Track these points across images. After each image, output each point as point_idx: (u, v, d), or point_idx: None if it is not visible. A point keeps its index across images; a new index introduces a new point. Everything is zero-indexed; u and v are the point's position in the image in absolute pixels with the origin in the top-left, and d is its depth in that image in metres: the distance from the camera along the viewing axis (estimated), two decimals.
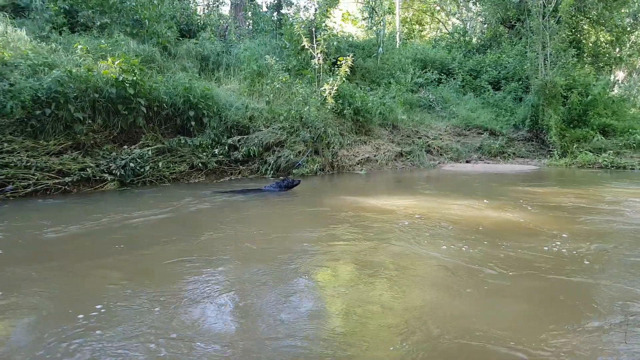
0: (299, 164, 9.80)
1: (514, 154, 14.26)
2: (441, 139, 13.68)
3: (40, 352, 2.16)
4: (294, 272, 3.30)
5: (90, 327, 2.40)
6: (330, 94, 10.79)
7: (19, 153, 7.04)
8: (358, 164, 10.87)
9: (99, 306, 2.63)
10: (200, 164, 8.84)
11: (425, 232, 4.47)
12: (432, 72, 17.49)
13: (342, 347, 2.21)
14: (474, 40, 22.76)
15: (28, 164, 7.00)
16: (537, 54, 15.27)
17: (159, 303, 2.71)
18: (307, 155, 10.04)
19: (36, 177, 6.98)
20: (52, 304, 2.74)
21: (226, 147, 9.31)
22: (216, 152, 9.15)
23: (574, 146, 13.63)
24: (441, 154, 13.11)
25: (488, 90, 17.37)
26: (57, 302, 2.77)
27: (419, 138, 13.17)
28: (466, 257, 3.60)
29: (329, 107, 10.82)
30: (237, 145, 9.45)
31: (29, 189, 6.88)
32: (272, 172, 9.49)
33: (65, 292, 2.97)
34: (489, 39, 22.00)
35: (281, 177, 8.28)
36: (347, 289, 2.97)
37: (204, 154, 8.98)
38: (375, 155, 11.41)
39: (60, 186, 7.18)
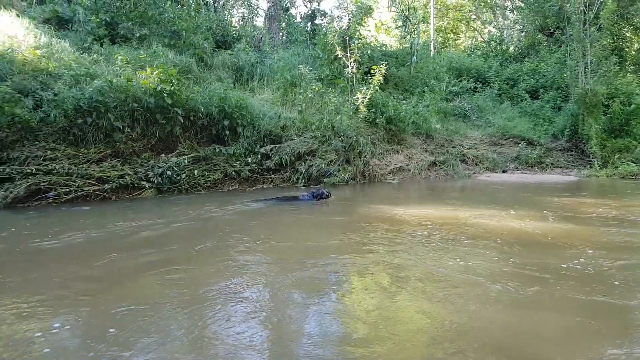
0: (330, 173, 9.77)
1: (552, 164, 13.78)
2: (476, 148, 13.37)
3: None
4: (317, 280, 3.26)
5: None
6: (362, 102, 10.74)
7: (61, 160, 7.31)
8: (390, 173, 10.74)
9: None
10: (233, 173, 8.94)
11: (447, 244, 4.33)
12: (468, 81, 17.19)
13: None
14: (511, 48, 22.28)
15: (69, 171, 7.26)
16: (577, 62, 14.77)
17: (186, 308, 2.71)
18: (339, 164, 10.00)
19: (77, 184, 7.23)
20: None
21: (259, 156, 9.38)
22: (249, 161, 9.23)
23: (616, 156, 13.06)
24: (476, 164, 12.80)
25: (525, 99, 16.93)
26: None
27: (453, 147, 12.91)
28: (483, 270, 3.46)
29: (361, 116, 10.77)
30: (270, 154, 9.51)
31: (70, 195, 7.13)
32: (303, 181, 9.50)
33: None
34: (526, 47, 21.49)
35: (314, 188, 8.32)
36: (374, 300, 2.90)
37: (238, 162, 9.07)
38: (407, 165, 11.25)
39: (99, 193, 7.40)
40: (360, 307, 2.84)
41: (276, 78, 12.16)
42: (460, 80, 17.18)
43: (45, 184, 6.99)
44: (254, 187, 9.09)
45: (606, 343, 2.35)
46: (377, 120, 11.16)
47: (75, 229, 5.15)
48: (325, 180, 9.62)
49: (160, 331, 2.46)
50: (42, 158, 7.12)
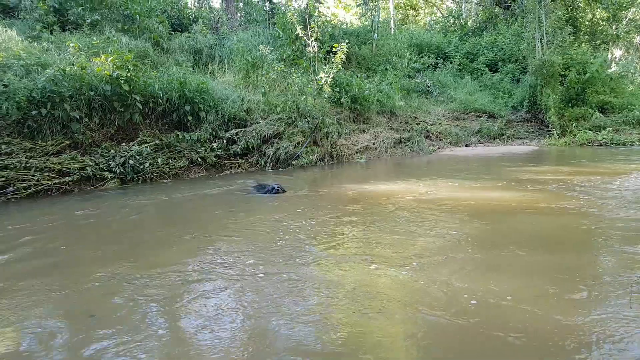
0: (298, 155, 9.77)
1: (513, 135, 14.24)
2: (440, 124, 13.64)
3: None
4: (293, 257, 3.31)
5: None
6: (326, 82, 10.72)
7: (17, 154, 7.00)
8: (357, 152, 10.84)
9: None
10: (199, 159, 8.80)
11: (425, 214, 4.46)
12: (429, 57, 17.39)
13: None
14: (469, 22, 22.59)
15: (27, 165, 6.97)
16: (533, 33, 15.17)
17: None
18: (306, 146, 10.00)
19: (36, 178, 6.96)
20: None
21: (224, 141, 9.25)
22: (215, 147, 9.10)
23: (573, 125, 13.62)
24: (440, 139, 13.08)
25: (485, 72, 17.31)
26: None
27: (417, 124, 13.13)
28: (461, 236, 3.61)
29: (325, 96, 10.76)
30: (235, 139, 9.40)
31: (30, 190, 6.87)
32: (271, 164, 9.46)
33: None
34: (484, 21, 21.85)
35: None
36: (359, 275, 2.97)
37: (203, 148, 8.93)
38: (374, 143, 11.38)
39: (61, 186, 7.16)
40: (339, 277, 2.90)
41: (237, 60, 11.94)
42: (422, 57, 17.36)
43: (2, 179, 6.71)
44: (222, 173, 8.99)
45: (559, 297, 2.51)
46: (341, 100, 11.19)
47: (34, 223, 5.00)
48: (293, 162, 9.62)
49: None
50: None
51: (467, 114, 14.85)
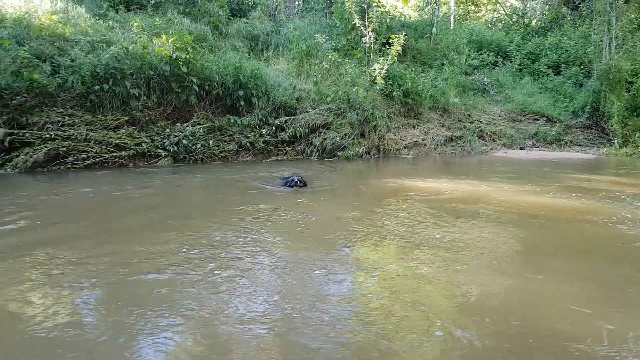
0: (345, 146, 9.72)
1: (571, 141, 13.50)
2: (495, 124, 13.13)
3: None
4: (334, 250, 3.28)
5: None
6: (380, 74, 10.54)
7: (79, 127, 7.39)
8: (405, 147, 10.65)
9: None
10: (248, 144, 8.94)
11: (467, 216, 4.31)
12: (488, 55, 16.74)
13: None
14: (534, 22, 21.52)
15: (87, 137, 7.35)
16: (602, 36, 14.26)
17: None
18: (353, 138, 9.92)
19: (95, 150, 7.32)
20: None
21: (273, 128, 9.35)
22: (264, 132, 9.21)
23: (637, 135, 12.73)
24: (494, 140, 12.60)
25: (547, 74, 16.47)
26: None
27: (470, 123, 12.71)
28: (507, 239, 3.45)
29: (378, 88, 10.59)
30: (284, 126, 9.46)
31: (88, 161, 7.24)
32: (317, 154, 9.47)
33: None
34: (549, 21, 20.76)
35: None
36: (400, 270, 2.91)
37: (252, 133, 9.06)
38: (423, 140, 11.13)
39: (117, 159, 7.50)
40: (374, 271, 2.86)
41: (291, 48, 11.98)
42: (481, 54, 16.74)
43: (64, 149, 7.11)
44: (269, 159, 9.10)
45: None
46: (393, 93, 11.00)
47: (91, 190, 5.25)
48: (339, 153, 9.58)
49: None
50: (60, 124, 7.21)
51: (524, 115, 14.21)
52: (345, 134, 9.84)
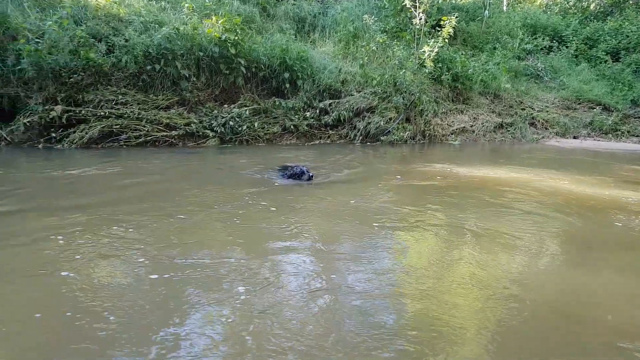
0: (389, 131, 9.55)
1: (628, 132, 12.69)
2: (547, 111, 12.51)
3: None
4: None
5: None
6: (429, 57, 10.22)
7: (131, 105, 7.62)
8: (452, 133, 10.35)
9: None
10: (292, 127, 8.94)
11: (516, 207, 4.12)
12: (543, 39, 15.90)
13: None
14: (592, 5, 20.22)
15: (139, 116, 7.56)
16: None
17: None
18: (398, 122, 9.73)
19: (146, 129, 7.54)
20: None
21: (317, 111, 9.28)
22: (307, 116, 9.18)
23: None
24: (546, 128, 12.03)
25: (605, 61, 15.49)
26: None
27: (522, 109, 12.16)
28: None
29: (427, 71, 10.29)
30: (328, 110, 9.38)
31: (140, 140, 7.47)
32: (360, 138, 9.35)
33: None
34: (610, 5, 19.45)
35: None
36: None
37: (296, 116, 9.05)
38: (472, 126, 10.77)
39: (167, 139, 7.69)
40: (417, 258, 2.79)
41: (338, 30, 11.79)
42: (535, 38, 15.91)
43: (117, 127, 7.36)
44: (312, 142, 9.08)
45: None
46: (442, 77, 10.65)
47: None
48: (382, 138, 9.43)
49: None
50: (114, 102, 7.46)
51: (579, 103, 13.46)
52: (390, 119, 9.66)
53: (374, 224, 3.53)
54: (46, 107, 7.10)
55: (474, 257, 2.88)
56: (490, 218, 3.82)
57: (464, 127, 10.61)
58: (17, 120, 7.10)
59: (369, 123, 9.38)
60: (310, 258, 2.81)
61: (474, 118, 11.01)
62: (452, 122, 10.55)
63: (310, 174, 5.08)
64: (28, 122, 7.06)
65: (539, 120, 12.04)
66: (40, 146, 7.01)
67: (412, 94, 9.85)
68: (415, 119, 9.95)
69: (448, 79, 10.71)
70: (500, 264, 2.78)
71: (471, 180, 5.70)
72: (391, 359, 1.79)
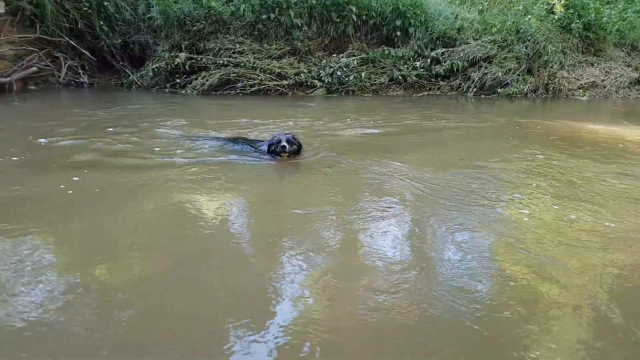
0: (507, 83, 8.83)
1: None
2: None
3: None
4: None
5: None
6: (559, 2, 9.12)
7: (247, 55, 7.85)
8: (579, 88, 9.28)
9: None
10: (399, 77, 8.62)
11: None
12: None
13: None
14: None
15: (254, 65, 7.78)
16: None
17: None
18: (518, 74, 8.94)
19: (260, 78, 7.75)
20: None
21: (428, 61, 8.82)
22: (417, 65, 8.77)
23: None
24: None
25: None
26: None
27: None
28: None
29: (556, 17, 9.23)
30: (440, 59, 8.87)
31: (254, 88, 7.72)
32: (474, 90, 8.77)
33: None
34: None
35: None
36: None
37: (405, 66, 8.70)
38: (603, 80, 9.56)
39: (278, 88, 7.86)
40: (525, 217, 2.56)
41: None
42: None
43: (234, 75, 7.66)
44: (420, 94, 8.72)
45: None
46: (572, 25, 9.48)
47: None
48: (499, 90, 8.75)
49: None
50: (232, 51, 7.74)
51: None
52: (510, 69, 8.91)
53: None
54: (172, 54, 7.59)
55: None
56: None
57: (594, 81, 9.45)
58: (146, 65, 7.70)
59: (485, 74, 8.75)
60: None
61: (606, 72, 9.75)
62: (581, 75, 9.44)
63: (294, 144, 3.59)
64: (156, 67, 7.63)
65: None
66: (166, 91, 7.57)
67: (537, 43, 8.95)
68: (538, 71, 9.07)
69: (579, 28, 9.50)
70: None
71: (604, 137, 5.09)
72: None
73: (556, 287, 1.76)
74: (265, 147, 3.61)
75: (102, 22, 7.65)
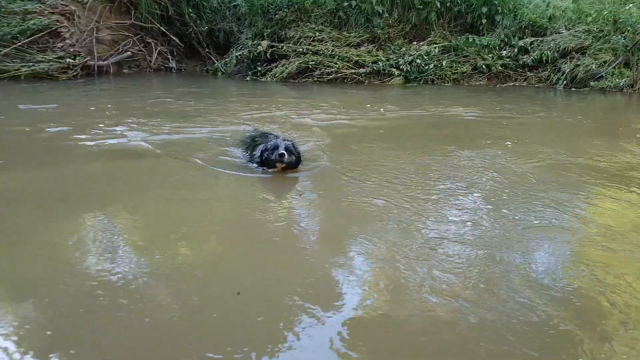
0: (601, 76, 8.17)
1: None
2: None
3: None
4: None
5: None
6: None
7: (326, 42, 7.88)
8: None
9: None
10: (483, 66, 8.27)
11: None
12: None
13: None
14: None
15: (332, 53, 7.80)
16: None
17: None
18: (614, 67, 8.25)
19: (337, 66, 7.76)
20: None
21: (515, 50, 8.36)
22: (503, 55, 8.36)
23: None
24: None
25: None
26: None
27: None
28: None
29: None
30: (529, 48, 8.38)
31: (331, 76, 7.74)
32: (564, 82, 8.22)
33: None
34: None
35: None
36: None
37: (490, 55, 8.31)
38: None
39: (355, 76, 7.83)
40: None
41: None
42: None
43: (313, 63, 7.72)
44: (505, 84, 8.31)
45: None
46: None
47: None
48: (592, 83, 8.13)
49: None
50: (311, 39, 7.80)
51: None
52: (605, 62, 8.24)
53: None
54: (254, 42, 7.78)
55: None
56: None
57: None
58: (230, 53, 7.96)
59: (578, 65, 8.15)
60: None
61: None
62: None
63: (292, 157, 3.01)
64: (239, 55, 7.86)
65: None
66: (248, 78, 7.79)
67: (637, 34, 8.18)
68: (637, 64, 8.31)
69: None
70: None
71: None
72: None
73: None
74: (258, 154, 3.06)
75: (190, 10, 7.98)
